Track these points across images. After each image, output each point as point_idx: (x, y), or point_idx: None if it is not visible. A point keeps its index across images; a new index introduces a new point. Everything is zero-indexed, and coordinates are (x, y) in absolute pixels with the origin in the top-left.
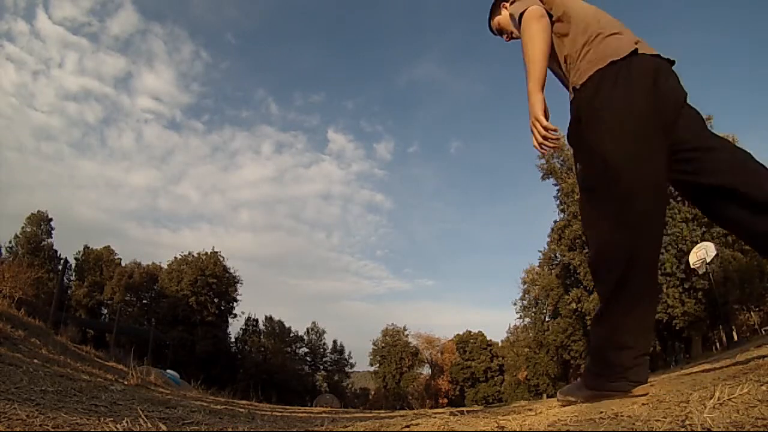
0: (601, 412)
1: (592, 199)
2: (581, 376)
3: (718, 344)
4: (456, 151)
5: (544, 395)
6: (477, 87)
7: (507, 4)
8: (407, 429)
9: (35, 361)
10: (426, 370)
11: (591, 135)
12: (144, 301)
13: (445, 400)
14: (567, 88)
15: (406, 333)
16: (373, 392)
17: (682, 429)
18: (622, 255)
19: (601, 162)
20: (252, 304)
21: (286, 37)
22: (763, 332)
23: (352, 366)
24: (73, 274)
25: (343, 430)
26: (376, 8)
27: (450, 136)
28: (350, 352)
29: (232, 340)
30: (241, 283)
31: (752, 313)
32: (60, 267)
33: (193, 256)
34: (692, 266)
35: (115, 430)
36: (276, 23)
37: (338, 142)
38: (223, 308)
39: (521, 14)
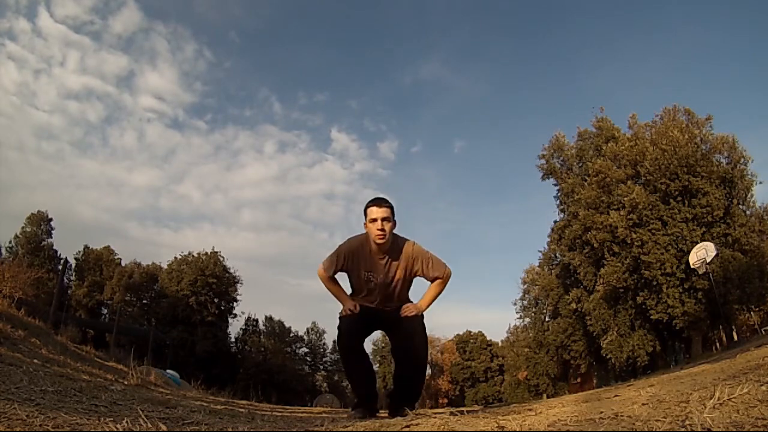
0: (601, 412)
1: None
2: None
3: (718, 344)
4: (460, 150)
5: (544, 395)
6: (481, 86)
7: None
8: (407, 429)
9: (35, 361)
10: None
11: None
12: (144, 301)
13: (445, 400)
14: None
15: None
16: None
17: (682, 429)
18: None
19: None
20: (252, 304)
21: (290, 36)
22: (763, 332)
23: None
24: (73, 274)
25: (343, 430)
26: (380, 7)
27: (454, 135)
28: None
29: (232, 340)
30: (241, 283)
31: (752, 313)
32: (60, 267)
33: (193, 256)
34: (692, 266)
35: (115, 430)
36: (280, 22)
37: (341, 141)
38: (223, 308)
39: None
